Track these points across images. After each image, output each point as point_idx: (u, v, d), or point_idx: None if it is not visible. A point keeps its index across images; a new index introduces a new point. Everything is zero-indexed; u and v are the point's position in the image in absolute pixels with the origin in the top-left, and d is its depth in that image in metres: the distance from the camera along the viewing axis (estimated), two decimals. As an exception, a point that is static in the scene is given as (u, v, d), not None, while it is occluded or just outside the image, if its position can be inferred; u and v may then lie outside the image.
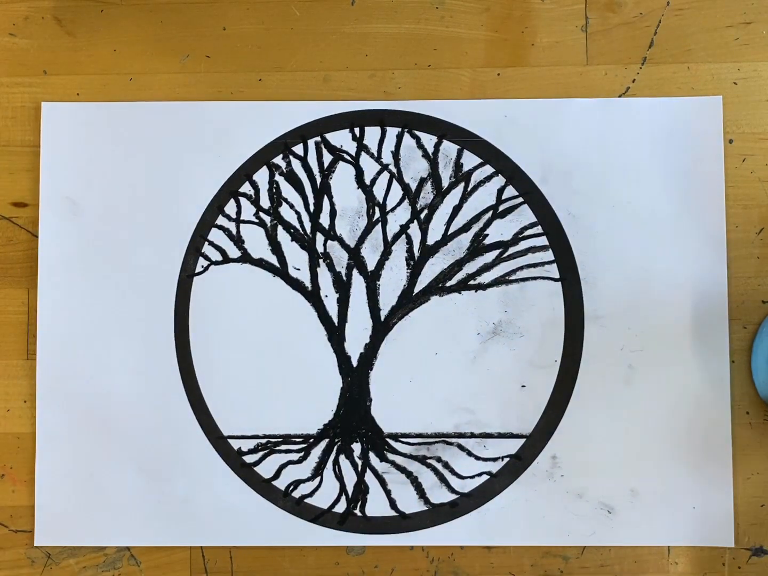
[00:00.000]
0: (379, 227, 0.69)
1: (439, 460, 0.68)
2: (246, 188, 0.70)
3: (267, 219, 0.70)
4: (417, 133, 0.69)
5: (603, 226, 0.68)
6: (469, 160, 0.69)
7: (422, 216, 0.69)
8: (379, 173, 0.70)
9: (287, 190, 0.70)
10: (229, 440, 0.68)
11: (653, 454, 0.67)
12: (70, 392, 0.69)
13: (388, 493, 0.68)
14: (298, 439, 0.68)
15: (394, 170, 0.70)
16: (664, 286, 0.68)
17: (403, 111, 0.70)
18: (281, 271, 0.69)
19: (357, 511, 0.68)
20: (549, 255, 0.69)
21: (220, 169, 0.70)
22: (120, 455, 0.68)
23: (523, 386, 0.68)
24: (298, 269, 0.69)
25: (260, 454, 0.68)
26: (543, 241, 0.69)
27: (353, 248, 0.69)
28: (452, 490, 0.68)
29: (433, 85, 0.70)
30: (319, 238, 0.70)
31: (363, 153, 0.70)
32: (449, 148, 0.69)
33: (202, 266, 0.69)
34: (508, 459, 0.68)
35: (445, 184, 0.69)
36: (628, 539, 0.67)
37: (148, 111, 0.70)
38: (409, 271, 0.69)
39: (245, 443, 0.68)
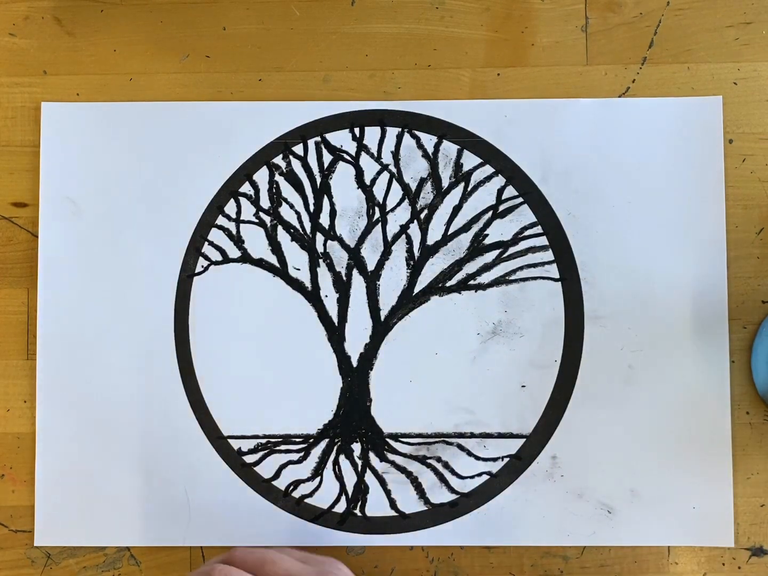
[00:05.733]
0: (379, 227, 0.69)
1: (439, 460, 0.68)
2: (246, 188, 0.70)
3: (267, 219, 0.70)
4: (417, 133, 0.69)
5: (603, 226, 0.68)
6: (469, 160, 0.69)
7: (422, 216, 0.69)
8: (379, 173, 0.70)
9: (287, 190, 0.70)
10: (229, 440, 0.68)
11: (653, 454, 0.67)
12: (70, 392, 0.69)
13: (388, 493, 0.68)
14: (298, 439, 0.68)
15: (394, 170, 0.70)
16: (664, 286, 0.68)
17: (403, 111, 0.70)
18: (281, 271, 0.69)
19: (357, 511, 0.68)
20: (549, 255, 0.69)
21: (220, 169, 0.70)
22: (120, 455, 0.68)
23: (523, 386, 0.68)
24: (298, 269, 0.69)
25: (260, 454, 0.68)
26: (543, 241, 0.69)
27: (353, 248, 0.69)
28: (452, 490, 0.68)
29: (433, 85, 0.70)
30: (319, 238, 0.70)
31: (363, 153, 0.70)
32: (449, 148, 0.69)
33: (202, 266, 0.69)
34: (508, 459, 0.68)
35: (445, 184, 0.69)
36: (628, 539, 0.67)
37: (148, 111, 0.70)
38: (409, 271, 0.69)
39: (245, 443, 0.68)
